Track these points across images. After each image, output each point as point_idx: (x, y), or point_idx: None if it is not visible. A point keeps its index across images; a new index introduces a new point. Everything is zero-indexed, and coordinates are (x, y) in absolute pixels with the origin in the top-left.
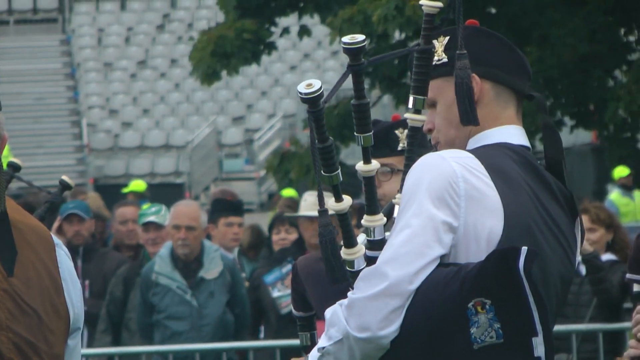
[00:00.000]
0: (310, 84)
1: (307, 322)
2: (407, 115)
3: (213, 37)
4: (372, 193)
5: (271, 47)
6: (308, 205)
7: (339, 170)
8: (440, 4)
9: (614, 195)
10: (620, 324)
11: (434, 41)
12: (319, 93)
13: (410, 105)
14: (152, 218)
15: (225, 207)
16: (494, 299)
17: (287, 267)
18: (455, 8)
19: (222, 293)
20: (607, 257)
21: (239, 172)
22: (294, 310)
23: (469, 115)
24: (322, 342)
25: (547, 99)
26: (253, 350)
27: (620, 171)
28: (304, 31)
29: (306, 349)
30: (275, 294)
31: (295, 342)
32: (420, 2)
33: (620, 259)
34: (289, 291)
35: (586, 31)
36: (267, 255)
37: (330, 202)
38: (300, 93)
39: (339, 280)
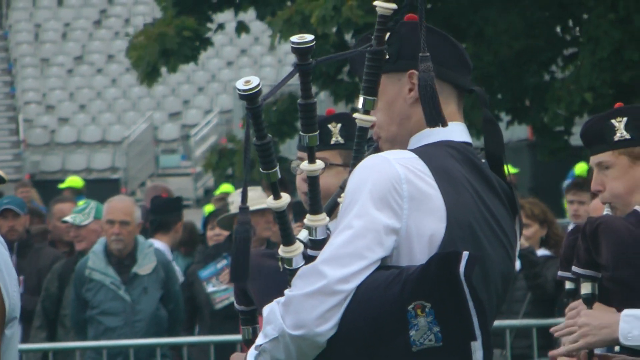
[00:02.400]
0: (249, 81)
1: (250, 316)
2: (356, 115)
3: (153, 35)
4: (315, 192)
5: (207, 43)
6: (250, 201)
7: (277, 168)
8: (394, 6)
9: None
10: (554, 319)
11: (371, 37)
12: (257, 90)
13: (360, 105)
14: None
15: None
16: (434, 302)
17: (223, 263)
18: (418, 9)
19: (155, 289)
20: (541, 252)
21: (175, 167)
22: (236, 304)
23: (435, 118)
24: (259, 339)
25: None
26: (187, 346)
27: (581, 168)
28: (242, 28)
29: (248, 343)
30: (210, 289)
31: (230, 337)
32: (375, 3)
33: (554, 254)
34: (223, 287)
35: (522, 26)
36: (202, 251)
37: (268, 199)
38: (239, 90)
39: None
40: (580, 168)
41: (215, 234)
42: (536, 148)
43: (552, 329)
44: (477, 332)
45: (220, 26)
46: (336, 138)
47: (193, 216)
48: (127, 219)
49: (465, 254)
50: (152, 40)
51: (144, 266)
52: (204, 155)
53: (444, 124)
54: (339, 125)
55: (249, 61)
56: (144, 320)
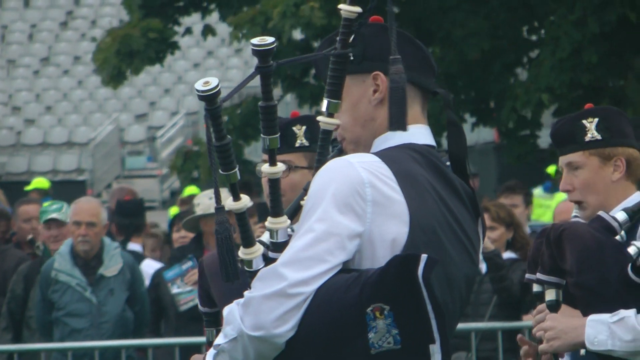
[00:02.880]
0: (208, 82)
1: (213, 318)
2: (320, 118)
3: (118, 37)
4: (276, 195)
5: (174, 46)
6: (206, 205)
7: (237, 169)
8: (358, 9)
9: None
10: (520, 322)
11: (336, 38)
12: (216, 90)
13: (323, 108)
14: (54, 215)
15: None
16: (393, 305)
17: (187, 264)
18: (387, 11)
19: (121, 290)
20: (507, 255)
21: (142, 169)
22: (200, 306)
23: (399, 121)
24: (219, 339)
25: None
26: (152, 348)
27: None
28: (208, 30)
29: (212, 345)
30: (175, 290)
31: (195, 339)
32: (340, 7)
33: (520, 257)
34: (188, 288)
35: (488, 28)
36: (172, 255)
37: (228, 201)
38: (198, 90)
39: (232, 278)
40: (553, 169)
41: (181, 236)
42: (502, 151)
43: (518, 337)
44: (436, 335)
45: (188, 30)
46: (301, 140)
47: (159, 218)
48: (93, 220)
49: (424, 256)
50: (116, 41)
51: (110, 267)
52: (170, 157)
53: (404, 129)
54: (304, 127)
55: (215, 63)
56: (110, 321)
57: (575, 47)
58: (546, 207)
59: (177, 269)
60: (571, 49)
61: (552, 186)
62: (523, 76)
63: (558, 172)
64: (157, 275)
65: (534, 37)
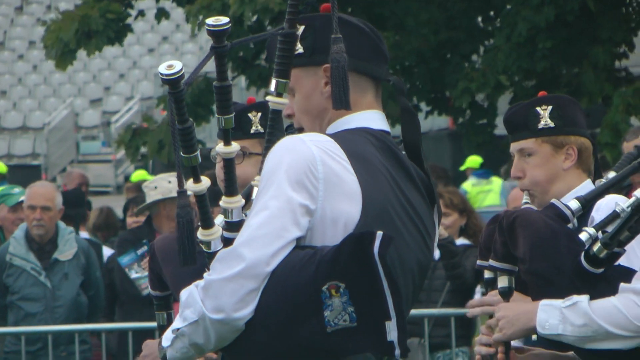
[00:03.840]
0: (172, 66)
1: (164, 302)
2: (268, 98)
3: (76, 16)
4: (231, 175)
5: (127, 29)
6: (174, 187)
7: (198, 152)
8: None
9: (467, 184)
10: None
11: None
12: (179, 74)
13: (272, 88)
14: (23, 198)
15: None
16: (348, 282)
17: (143, 249)
18: None
19: (76, 275)
20: (460, 241)
21: (96, 154)
22: (150, 290)
23: (341, 100)
24: (177, 323)
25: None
26: (106, 332)
27: (473, 161)
28: (162, 14)
29: (163, 329)
30: (134, 275)
31: (148, 324)
32: None
33: (473, 243)
34: (147, 272)
35: (443, 18)
36: (122, 237)
37: (188, 183)
38: (162, 74)
39: (189, 263)
40: (472, 161)
41: (135, 221)
42: (459, 140)
43: (467, 305)
44: (392, 312)
45: (141, 13)
46: (256, 127)
47: (113, 203)
48: (48, 205)
49: (380, 233)
50: (73, 20)
51: (65, 252)
52: (120, 134)
53: (348, 108)
54: (259, 114)
55: (170, 48)
56: (64, 306)
57: (531, 33)
58: (487, 192)
59: (132, 254)
60: (527, 35)
61: (483, 173)
62: (479, 64)
63: (482, 164)
64: (111, 261)
65: (489, 28)
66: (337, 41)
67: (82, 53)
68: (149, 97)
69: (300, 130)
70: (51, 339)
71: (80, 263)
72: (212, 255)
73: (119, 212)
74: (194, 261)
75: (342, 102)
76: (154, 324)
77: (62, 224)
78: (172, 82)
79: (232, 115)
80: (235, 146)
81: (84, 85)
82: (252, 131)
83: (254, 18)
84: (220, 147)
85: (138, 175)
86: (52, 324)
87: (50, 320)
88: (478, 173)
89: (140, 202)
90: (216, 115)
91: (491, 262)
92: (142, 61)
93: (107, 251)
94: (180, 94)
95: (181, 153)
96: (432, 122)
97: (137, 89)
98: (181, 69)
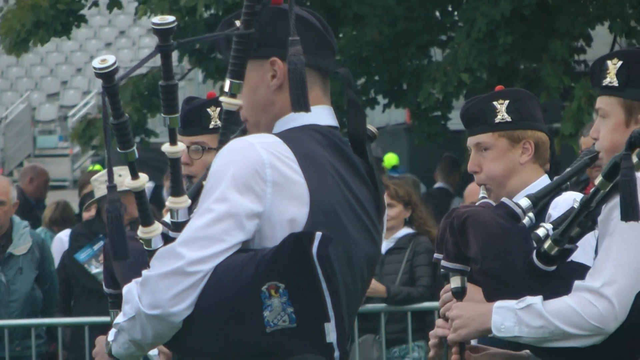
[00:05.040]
0: (105, 59)
1: (117, 300)
2: (222, 98)
3: (27, 6)
4: (177, 175)
5: (81, 19)
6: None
7: (135, 147)
8: None
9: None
10: (429, 303)
11: (237, 22)
12: (113, 68)
13: (226, 89)
14: None
15: None
16: (288, 283)
17: (99, 244)
18: None
19: (30, 269)
20: (405, 231)
21: (53, 148)
22: (104, 287)
23: (301, 103)
24: (119, 318)
25: (361, 77)
26: (62, 327)
27: (390, 159)
28: (114, 3)
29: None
30: (94, 270)
31: (104, 319)
32: None
33: (417, 231)
34: None
35: (401, 10)
36: (76, 231)
37: (126, 179)
38: (95, 68)
39: (120, 257)
40: (389, 159)
41: (91, 215)
42: (413, 132)
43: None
44: (331, 313)
45: (95, 3)
46: (215, 122)
47: (70, 197)
48: (3, 199)
49: (318, 234)
50: (25, 10)
51: (20, 246)
52: (74, 126)
53: (307, 110)
54: (219, 109)
55: (127, 42)
56: (18, 300)
57: (490, 28)
58: None
59: (89, 250)
60: (486, 30)
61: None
62: (437, 56)
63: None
64: (67, 255)
65: (447, 24)
66: (295, 43)
67: (39, 47)
68: None
69: (246, 121)
70: (7, 334)
71: (34, 257)
72: (152, 252)
73: (75, 207)
74: (125, 256)
75: (301, 105)
76: (109, 319)
77: (17, 218)
78: (106, 76)
79: (178, 115)
80: (181, 146)
81: (41, 80)
82: (211, 126)
83: (208, 13)
84: (166, 146)
85: (95, 169)
86: (6, 318)
87: (5, 315)
88: (400, 172)
89: (94, 197)
90: (162, 115)
91: (443, 262)
92: (99, 55)
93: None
94: (114, 88)
95: (117, 149)
96: (389, 116)
97: (94, 83)
98: (114, 63)
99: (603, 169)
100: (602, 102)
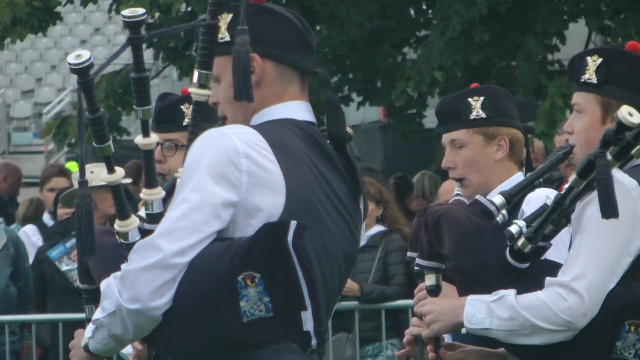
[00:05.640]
0: (80, 55)
1: (92, 295)
2: (191, 89)
3: (2, 3)
4: (150, 166)
5: (56, 17)
6: (99, 176)
7: (110, 142)
8: None
9: None
10: (403, 301)
11: (219, 17)
12: (88, 64)
13: (195, 79)
14: None
15: None
16: (264, 273)
17: (72, 241)
18: None
19: (5, 266)
20: (377, 229)
21: (28, 145)
22: (79, 283)
23: (242, 92)
24: (97, 314)
25: (335, 75)
26: (36, 324)
27: (70, 167)
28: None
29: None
30: (64, 268)
31: (79, 315)
32: None
33: (389, 229)
34: (77, 264)
35: (375, 7)
36: (52, 229)
37: (102, 173)
38: (70, 64)
39: (87, 253)
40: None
41: (66, 212)
42: (388, 130)
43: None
44: (307, 302)
45: (70, 0)
46: (189, 119)
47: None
48: None
49: (293, 223)
50: (1, 7)
51: None
52: (48, 122)
53: (250, 100)
54: (192, 106)
55: (102, 40)
56: None
57: (466, 26)
58: None
59: (61, 247)
60: (461, 29)
61: None
62: (411, 55)
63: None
64: (41, 252)
65: (421, 20)
66: (243, 32)
67: (14, 44)
68: None
69: (224, 118)
70: None
71: (9, 254)
72: (130, 246)
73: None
74: (92, 252)
75: (242, 94)
76: (83, 315)
77: None
78: (81, 72)
79: (150, 106)
80: (153, 137)
81: (16, 77)
82: (184, 123)
83: (187, 9)
84: (139, 138)
85: (69, 166)
86: None
87: None
88: None
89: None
90: (135, 107)
91: (418, 260)
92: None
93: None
94: (89, 83)
95: (94, 143)
96: (364, 114)
97: (69, 80)
98: (89, 58)
99: (577, 167)
100: (579, 97)
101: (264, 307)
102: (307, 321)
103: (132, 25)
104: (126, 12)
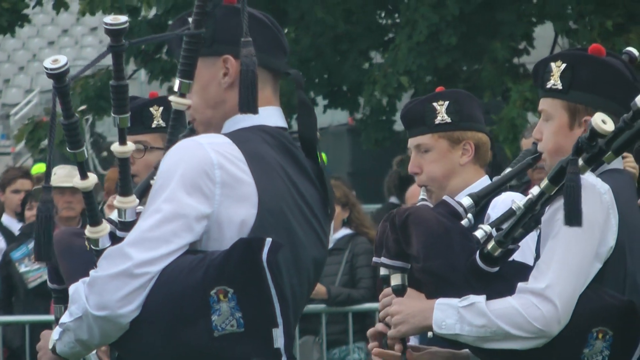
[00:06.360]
0: (57, 60)
1: (62, 295)
2: (171, 98)
3: None
4: (125, 174)
5: (25, 19)
6: (58, 178)
7: (84, 148)
8: None
9: None
10: (370, 304)
11: (189, 19)
12: (65, 69)
13: (175, 88)
14: None
15: None
16: (237, 288)
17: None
18: None
19: None
20: (343, 232)
21: None
22: (49, 282)
23: (249, 105)
24: (64, 318)
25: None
26: (3, 325)
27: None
28: (60, 4)
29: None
30: (23, 269)
31: (45, 317)
32: None
33: (355, 231)
34: (36, 266)
35: (342, 12)
36: (21, 231)
37: (75, 179)
38: (47, 68)
39: (44, 258)
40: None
41: (33, 214)
42: (358, 135)
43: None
44: (279, 319)
45: (39, 2)
46: (157, 121)
47: None
48: None
49: (269, 240)
50: None
51: None
52: (20, 128)
53: (255, 112)
54: (161, 108)
55: (70, 41)
56: None
57: (432, 30)
58: None
59: (24, 249)
60: (428, 32)
61: None
62: (377, 59)
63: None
64: (7, 254)
65: (389, 22)
66: (247, 44)
67: None
68: (48, 90)
69: (194, 121)
70: None
71: None
72: (99, 252)
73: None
74: (48, 257)
75: (249, 107)
76: (50, 317)
77: None
78: (57, 76)
79: (128, 114)
80: (130, 146)
81: None
82: (153, 125)
83: (158, 12)
84: (115, 146)
85: (38, 168)
86: None
87: None
88: None
89: (38, 196)
90: (112, 114)
91: (383, 259)
92: (41, 54)
93: None
94: (65, 88)
95: (67, 148)
96: (332, 117)
97: (37, 82)
98: (66, 63)
99: (549, 173)
100: (545, 104)
101: (236, 323)
102: (279, 338)
103: (114, 33)
104: (108, 19)
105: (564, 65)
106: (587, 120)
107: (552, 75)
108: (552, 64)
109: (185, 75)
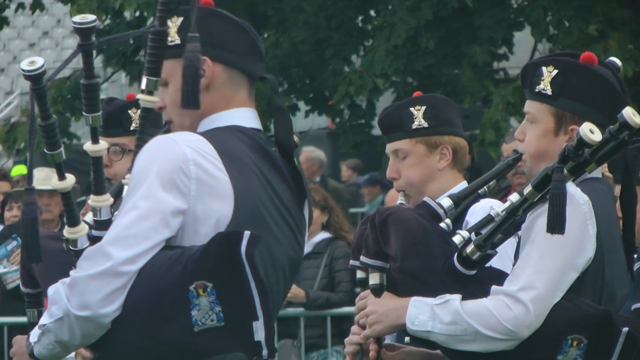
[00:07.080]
0: (34, 62)
1: (35, 299)
2: (139, 96)
3: None
4: (99, 173)
5: (4, 21)
6: (36, 180)
7: (62, 149)
8: None
9: None
10: (348, 308)
11: (169, 22)
12: (41, 70)
13: (143, 86)
14: None
15: None
16: (216, 282)
17: (12, 244)
18: None
19: None
20: (322, 235)
21: None
22: (22, 287)
23: (190, 99)
24: (44, 319)
25: (282, 84)
26: None
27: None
28: (37, 5)
29: (33, 326)
30: (1, 270)
31: (22, 319)
32: None
33: (334, 235)
34: (14, 267)
35: (322, 17)
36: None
37: (53, 180)
38: (24, 70)
39: (34, 260)
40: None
41: (13, 215)
42: (338, 139)
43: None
44: (259, 312)
45: (21, 5)
46: (136, 124)
47: None
48: None
49: (247, 233)
50: None
51: None
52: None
53: (197, 108)
54: (140, 110)
55: (50, 43)
56: None
57: (410, 34)
58: None
59: (2, 250)
60: (406, 36)
61: None
62: (358, 63)
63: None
64: None
65: (369, 27)
66: (193, 40)
67: None
68: (28, 92)
69: (170, 123)
70: None
71: None
72: (78, 253)
73: None
74: (38, 259)
75: (190, 102)
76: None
77: None
78: (34, 78)
79: (100, 113)
80: (102, 144)
81: None
82: (132, 128)
83: (136, 13)
84: (88, 145)
85: (17, 169)
86: None
87: None
88: None
89: (18, 197)
90: (84, 114)
91: (362, 258)
92: (22, 56)
93: None
94: (42, 90)
95: (45, 150)
96: (312, 121)
97: (17, 84)
98: (43, 65)
99: (533, 179)
100: (531, 107)
101: (216, 317)
102: (259, 331)
103: (82, 32)
104: (77, 18)
105: (555, 72)
106: (573, 128)
107: (543, 80)
108: (544, 68)
109: (151, 73)
